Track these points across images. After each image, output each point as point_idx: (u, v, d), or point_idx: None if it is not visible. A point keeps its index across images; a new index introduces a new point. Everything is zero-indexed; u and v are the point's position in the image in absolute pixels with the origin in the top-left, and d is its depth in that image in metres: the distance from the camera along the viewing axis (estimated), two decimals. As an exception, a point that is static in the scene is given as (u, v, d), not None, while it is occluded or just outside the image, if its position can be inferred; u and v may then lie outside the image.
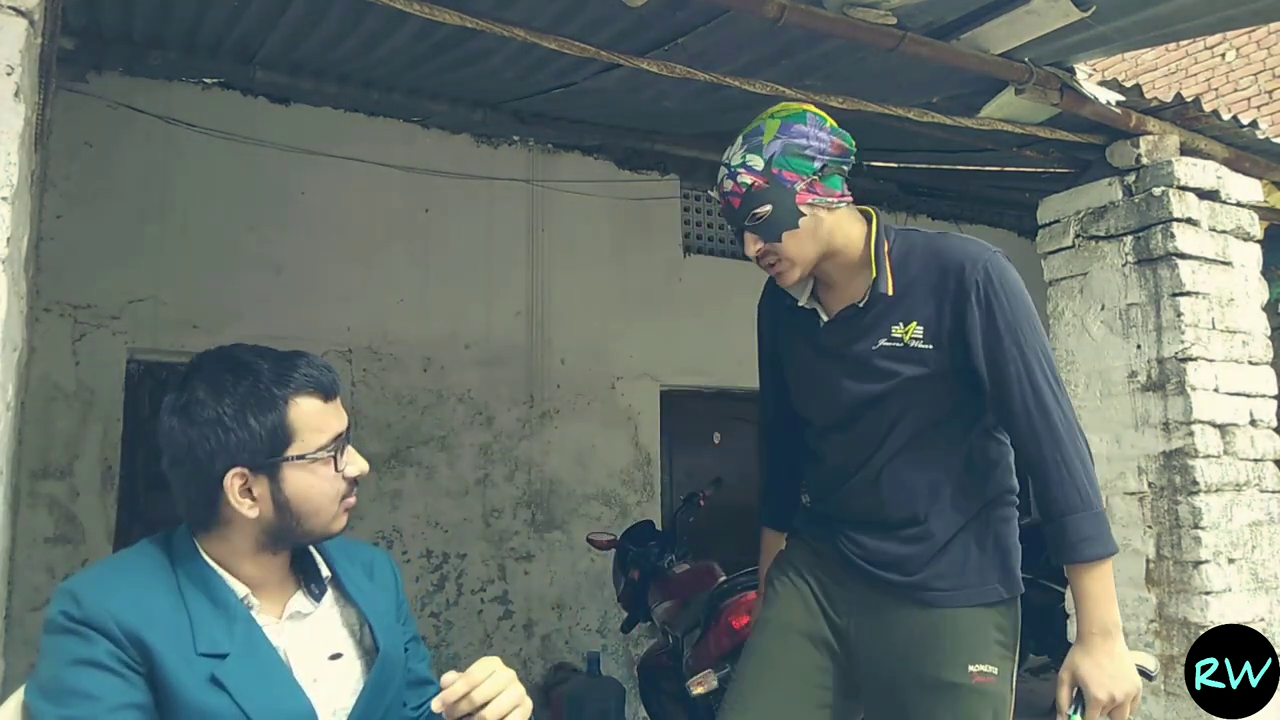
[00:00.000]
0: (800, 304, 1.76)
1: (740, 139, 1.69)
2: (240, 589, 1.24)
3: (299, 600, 1.30)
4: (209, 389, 1.22)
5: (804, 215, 1.64)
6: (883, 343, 1.67)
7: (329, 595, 1.33)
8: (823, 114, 1.69)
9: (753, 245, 1.67)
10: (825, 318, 1.74)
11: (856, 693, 1.77)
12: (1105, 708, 1.55)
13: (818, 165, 1.64)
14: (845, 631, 1.75)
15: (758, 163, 1.64)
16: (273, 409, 1.21)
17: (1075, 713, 1.57)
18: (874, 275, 1.68)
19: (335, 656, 1.28)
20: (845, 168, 1.69)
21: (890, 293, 1.67)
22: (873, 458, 1.71)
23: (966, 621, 1.67)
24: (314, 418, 1.24)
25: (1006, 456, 1.75)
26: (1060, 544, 1.59)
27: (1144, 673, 1.60)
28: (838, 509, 1.79)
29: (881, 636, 1.71)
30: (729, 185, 1.67)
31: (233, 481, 1.20)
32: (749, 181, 1.64)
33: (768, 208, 1.63)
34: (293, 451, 1.22)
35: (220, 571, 1.24)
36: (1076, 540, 1.57)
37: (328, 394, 1.26)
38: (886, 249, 1.70)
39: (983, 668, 1.64)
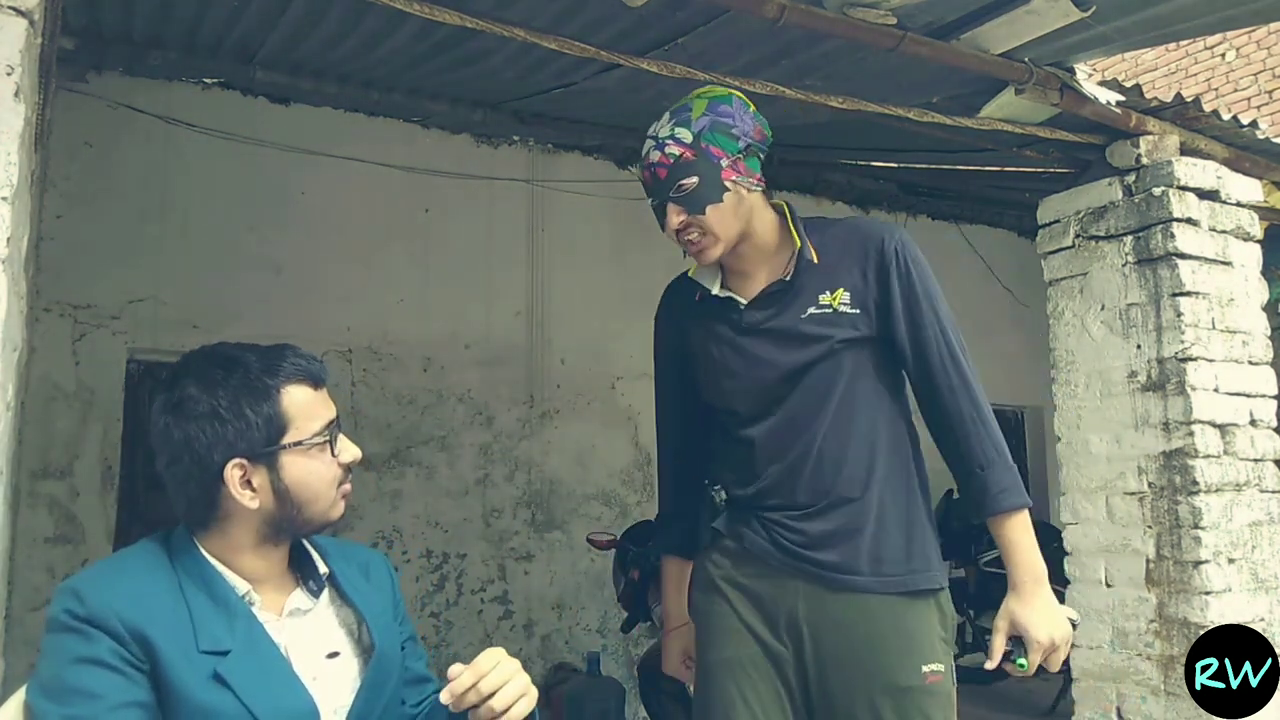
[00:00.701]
0: (714, 292, 1.77)
1: (667, 115, 1.74)
2: (241, 585, 1.24)
3: (298, 597, 1.30)
4: (200, 385, 1.23)
5: (728, 190, 1.68)
6: (811, 310, 1.71)
7: (326, 594, 1.33)
8: (746, 99, 1.76)
9: (676, 217, 1.69)
10: (744, 301, 1.76)
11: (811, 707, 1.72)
12: (1046, 651, 1.63)
13: (741, 145, 1.70)
14: (794, 645, 1.69)
15: (686, 135, 1.68)
16: (266, 398, 1.23)
17: (1017, 658, 1.65)
18: (799, 245, 1.74)
19: (332, 655, 1.28)
20: (763, 154, 1.75)
21: (816, 260, 1.72)
22: (809, 430, 1.70)
23: (915, 616, 1.68)
24: (307, 405, 1.26)
25: (919, 444, 1.80)
26: (984, 497, 1.67)
27: (1070, 622, 1.69)
28: (772, 495, 1.72)
29: (832, 639, 1.66)
30: (656, 156, 1.70)
31: (232, 473, 1.21)
32: (677, 153, 1.68)
33: (694, 179, 1.67)
34: (289, 439, 1.24)
35: (220, 568, 1.24)
36: (998, 491, 1.66)
37: (316, 382, 1.28)
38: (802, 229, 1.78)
39: (934, 666, 1.67)
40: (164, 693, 1.14)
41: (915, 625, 1.67)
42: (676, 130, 1.69)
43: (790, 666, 1.69)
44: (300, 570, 1.33)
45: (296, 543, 1.32)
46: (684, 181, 1.67)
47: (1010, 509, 1.66)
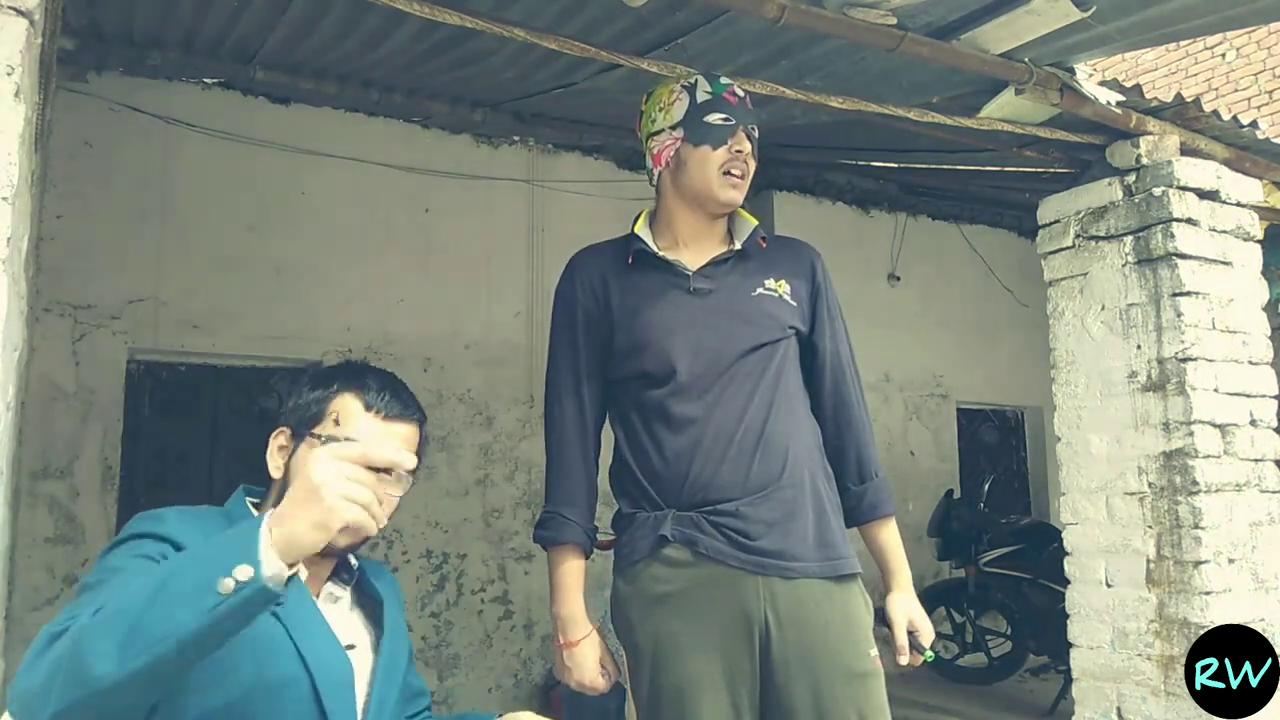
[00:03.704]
0: (659, 254, 1.78)
1: (712, 75, 1.86)
2: None
3: (332, 586, 1.35)
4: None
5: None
6: (760, 290, 1.77)
7: (351, 590, 1.38)
8: None
9: (746, 143, 1.77)
10: (690, 266, 1.78)
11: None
12: (930, 640, 1.79)
13: None
14: (759, 651, 1.65)
15: None
16: (326, 388, 1.32)
17: (924, 652, 1.78)
18: (755, 223, 1.82)
19: (350, 647, 1.32)
20: None
21: (764, 244, 1.81)
22: (758, 409, 1.71)
23: (854, 601, 1.72)
24: (348, 414, 1.30)
25: None
26: (879, 499, 1.82)
27: None
28: (721, 481, 1.68)
29: (794, 633, 1.65)
30: (741, 92, 1.82)
31: (275, 437, 1.31)
32: (750, 105, 1.82)
33: (757, 132, 1.81)
34: (314, 430, 1.29)
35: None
36: (887, 497, 1.84)
37: (372, 407, 1.32)
38: None
39: (874, 650, 1.71)
40: None
41: (856, 610, 1.72)
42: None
43: (746, 680, 1.65)
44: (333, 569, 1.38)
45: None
46: (756, 127, 1.81)
47: (894, 513, 1.84)
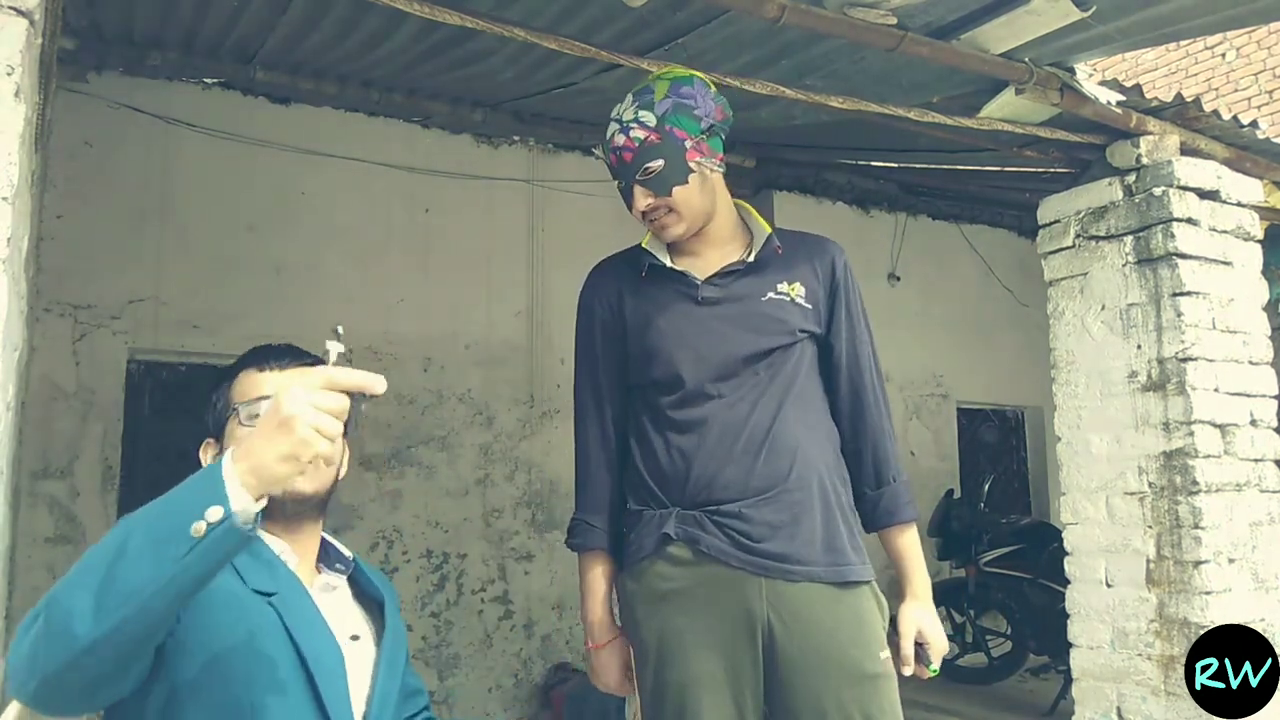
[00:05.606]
0: (668, 265, 1.78)
1: (630, 97, 1.75)
2: (278, 544, 1.30)
3: (327, 575, 1.36)
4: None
5: (692, 171, 1.71)
6: (771, 295, 1.75)
7: (349, 582, 1.38)
8: (708, 80, 1.79)
9: (643, 199, 1.72)
10: (700, 277, 1.77)
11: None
12: (941, 654, 1.76)
13: (704, 126, 1.73)
14: (762, 652, 1.65)
15: (650, 119, 1.70)
16: (224, 381, 1.36)
17: (929, 664, 1.74)
18: (769, 231, 1.79)
19: (354, 638, 1.32)
20: (724, 134, 1.80)
21: (779, 251, 1.78)
22: (765, 414, 1.70)
23: (866, 604, 1.70)
24: (250, 384, 1.33)
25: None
26: (895, 505, 1.78)
27: None
28: (725, 482, 1.68)
29: (800, 636, 1.64)
30: (621, 140, 1.72)
31: (204, 451, 1.34)
32: (641, 136, 1.70)
33: (660, 162, 1.70)
34: (227, 416, 1.32)
35: (259, 530, 1.28)
36: (906, 502, 1.79)
37: (260, 365, 1.35)
38: None
39: (885, 652, 1.70)
40: (215, 605, 1.15)
41: (867, 611, 1.70)
42: (640, 113, 1.71)
43: (750, 679, 1.65)
44: (325, 559, 1.38)
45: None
46: (650, 165, 1.70)
47: (914, 519, 1.80)
